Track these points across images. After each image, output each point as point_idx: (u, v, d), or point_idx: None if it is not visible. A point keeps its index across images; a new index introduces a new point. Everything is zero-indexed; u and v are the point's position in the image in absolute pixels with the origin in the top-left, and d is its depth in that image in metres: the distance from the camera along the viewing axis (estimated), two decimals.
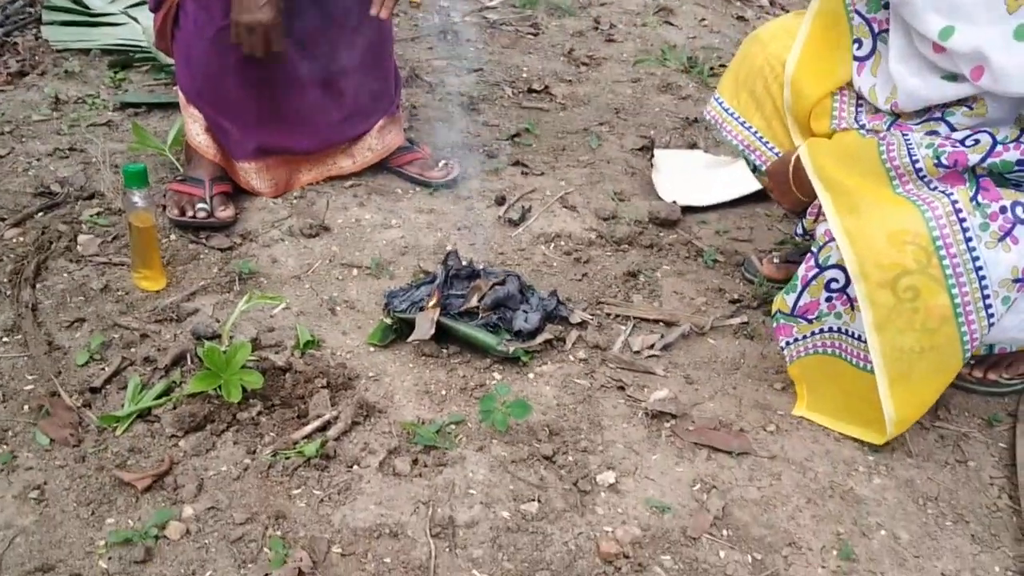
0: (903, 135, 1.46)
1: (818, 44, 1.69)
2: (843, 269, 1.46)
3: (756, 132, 1.82)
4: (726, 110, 1.86)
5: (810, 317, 1.54)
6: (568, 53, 3.34)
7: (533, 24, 3.63)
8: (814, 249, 1.51)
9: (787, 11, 2.33)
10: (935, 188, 1.41)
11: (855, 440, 1.54)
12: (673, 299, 1.90)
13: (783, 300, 1.57)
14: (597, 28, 3.64)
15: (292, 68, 2.13)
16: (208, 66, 2.00)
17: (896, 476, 1.48)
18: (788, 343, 1.59)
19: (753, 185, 2.33)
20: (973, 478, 1.49)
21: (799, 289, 1.53)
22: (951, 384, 1.67)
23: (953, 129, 1.48)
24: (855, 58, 1.64)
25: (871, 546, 1.34)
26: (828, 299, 1.51)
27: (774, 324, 1.60)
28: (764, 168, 1.81)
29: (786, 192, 1.67)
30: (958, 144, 1.40)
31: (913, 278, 1.37)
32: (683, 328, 1.77)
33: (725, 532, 1.34)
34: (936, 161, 1.40)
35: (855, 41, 1.64)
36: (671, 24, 3.75)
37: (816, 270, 1.50)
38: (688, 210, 2.25)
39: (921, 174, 1.42)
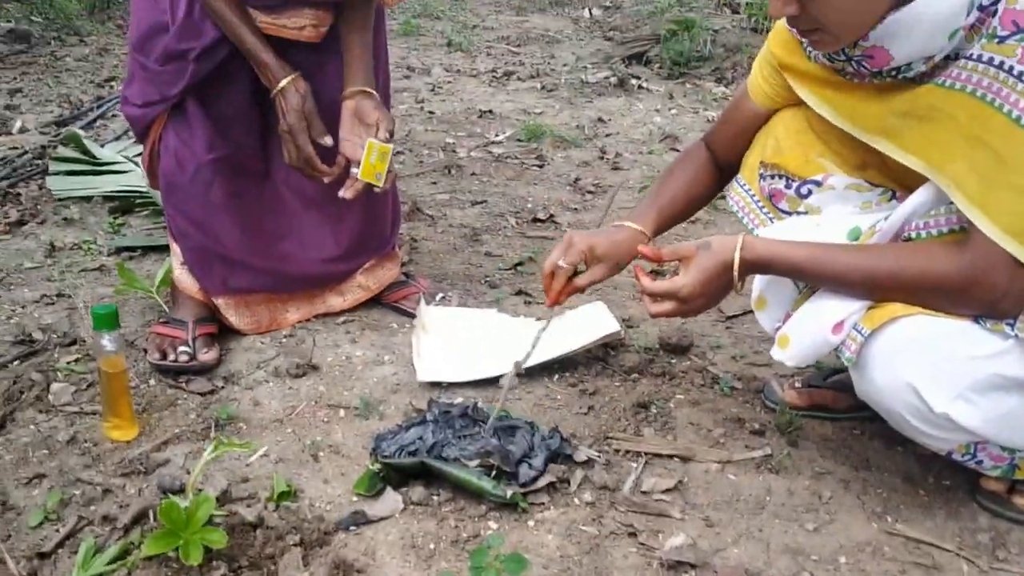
0: None
1: None
2: None
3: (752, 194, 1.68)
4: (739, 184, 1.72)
5: None
6: (574, 182, 3.29)
7: (538, 156, 3.61)
8: None
9: None
10: None
11: None
12: (688, 431, 1.74)
13: None
14: (603, 157, 3.61)
15: (285, 204, 2.07)
16: (190, 202, 1.94)
17: None
18: None
19: (538, 357, 1.81)
20: None
21: None
22: (1011, 520, 1.49)
23: None
24: None
25: None
26: None
27: None
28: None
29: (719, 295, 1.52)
30: None
31: None
32: (701, 464, 1.60)
33: None
34: None
35: None
36: (677, 151, 3.71)
37: None
38: (701, 335, 2.12)
39: None
